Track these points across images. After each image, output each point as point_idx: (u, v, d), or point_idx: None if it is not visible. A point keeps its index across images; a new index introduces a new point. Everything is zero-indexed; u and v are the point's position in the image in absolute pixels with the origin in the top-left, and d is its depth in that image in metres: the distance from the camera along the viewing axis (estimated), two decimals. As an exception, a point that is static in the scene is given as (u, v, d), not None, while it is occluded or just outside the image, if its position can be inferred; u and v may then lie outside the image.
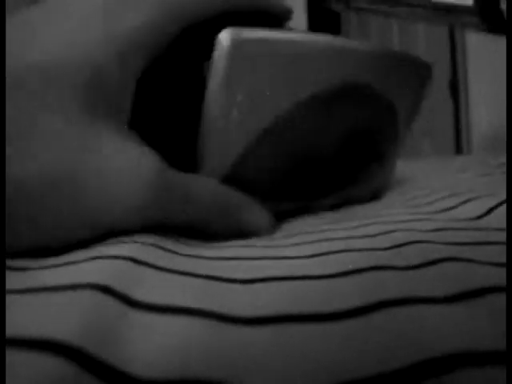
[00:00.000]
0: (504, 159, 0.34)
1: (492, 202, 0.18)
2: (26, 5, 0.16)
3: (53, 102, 0.13)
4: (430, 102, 0.87)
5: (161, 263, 0.12)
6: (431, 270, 0.11)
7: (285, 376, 0.08)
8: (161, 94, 0.19)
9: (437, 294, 0.10)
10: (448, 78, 0.94)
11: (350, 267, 0.12)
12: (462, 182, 0.26)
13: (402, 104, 0.22)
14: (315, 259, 0.13)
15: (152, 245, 0.14)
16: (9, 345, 0.08)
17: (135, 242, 0.14)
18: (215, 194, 0.17)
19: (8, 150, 0.12)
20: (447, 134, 0.96)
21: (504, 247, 0.13)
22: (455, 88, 0.94)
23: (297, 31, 0.17)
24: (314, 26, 0.41)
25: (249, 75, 0.16)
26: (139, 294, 0.10)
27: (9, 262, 0.12)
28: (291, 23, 0.21)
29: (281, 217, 0.20)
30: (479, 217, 0.17)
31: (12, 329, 0.08)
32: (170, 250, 0.14)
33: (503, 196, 0.18)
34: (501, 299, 0.10)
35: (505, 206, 0.17)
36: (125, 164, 0.14)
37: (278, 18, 0.20)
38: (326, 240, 0.15)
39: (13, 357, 0.08)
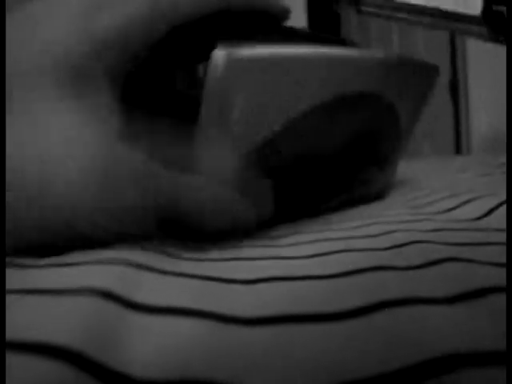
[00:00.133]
0: (504, 159, 0.34)
1: (492, 203, 0.18)
2: (24, 1, 0.16)
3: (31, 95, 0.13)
4: (431, 104, 0.87)
5: (161, 266, 0.12)
6: (432, 271, 0.11)
7: (285, 376, 0.08)
8: (155, 91, 0.19)
9: (437, 294, 0.10)
10: (448, 79, 0.94)
11: (351, 267, 0.12)
12: (463, 182, 0.26)
13: (404, 107, 0.22)
14: (316, 259, 0.13)
15: (153, 248, 0.14)
16: (9, 348, 0.08)
17: (136, 246, 0.14)
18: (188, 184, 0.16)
19: None
20: (447, 136, 0.96)
21: (504, 247, 0.13)
22: (455, 90, 0.94)
23: (295, 45, 0.17)
24: (314, 25, 0.41)
25: (245, 93, 0.16)
26: (139, 297, 0.10)
27: (9, 259, 0.12)
28: (291, 23, 0.20)
29: (281, 218, 0.20)
30: (479, 217, 0.17)
31: (12, 331, 0.08)
32: (170, 254, 0.14)
33: (503, 196, 0.18)
34: (501, 299, 0.10)
35: (505, 206, 0.17)
36: (64, 139, 0.14)
37: (275, 18, 0.19)
38: (327, 240, 0.15)
39: (13, 360, 0.08)
